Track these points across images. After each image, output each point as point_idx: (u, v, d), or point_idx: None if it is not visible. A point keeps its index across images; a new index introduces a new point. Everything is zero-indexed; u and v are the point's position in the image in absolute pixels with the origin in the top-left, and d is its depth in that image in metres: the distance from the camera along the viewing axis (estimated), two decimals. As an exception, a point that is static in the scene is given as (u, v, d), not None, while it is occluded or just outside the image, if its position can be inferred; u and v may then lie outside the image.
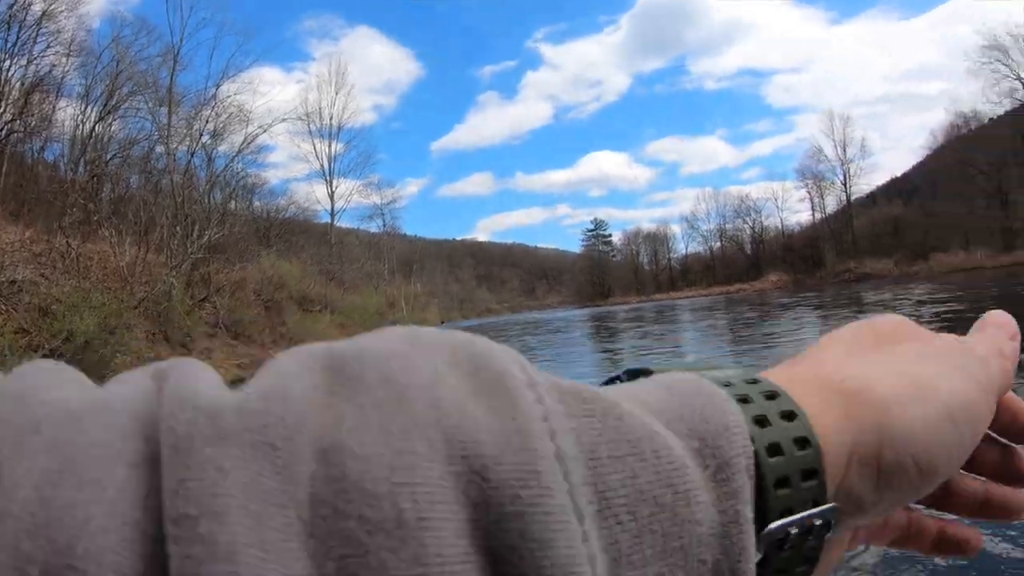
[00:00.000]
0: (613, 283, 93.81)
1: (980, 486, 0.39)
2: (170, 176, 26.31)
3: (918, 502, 0.38)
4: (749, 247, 79.42)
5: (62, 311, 14.21)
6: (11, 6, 23.01)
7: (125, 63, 26.25)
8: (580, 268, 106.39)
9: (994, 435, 0.38)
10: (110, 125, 27.11)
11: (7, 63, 23.39)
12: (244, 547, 0.17)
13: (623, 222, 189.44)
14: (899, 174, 73.47)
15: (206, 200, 30.26)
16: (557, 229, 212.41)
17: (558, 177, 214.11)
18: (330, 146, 52.26)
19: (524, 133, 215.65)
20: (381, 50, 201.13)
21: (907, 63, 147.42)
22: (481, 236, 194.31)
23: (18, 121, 23.66)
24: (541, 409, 0.25)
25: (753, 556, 0.28)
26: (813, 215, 72.16)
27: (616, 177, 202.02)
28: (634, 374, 0.37)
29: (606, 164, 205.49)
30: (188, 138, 28.87)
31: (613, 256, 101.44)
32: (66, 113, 26.44)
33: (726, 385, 0.33)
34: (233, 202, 35.99)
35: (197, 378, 0.23)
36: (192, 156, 29.48)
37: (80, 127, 26.11)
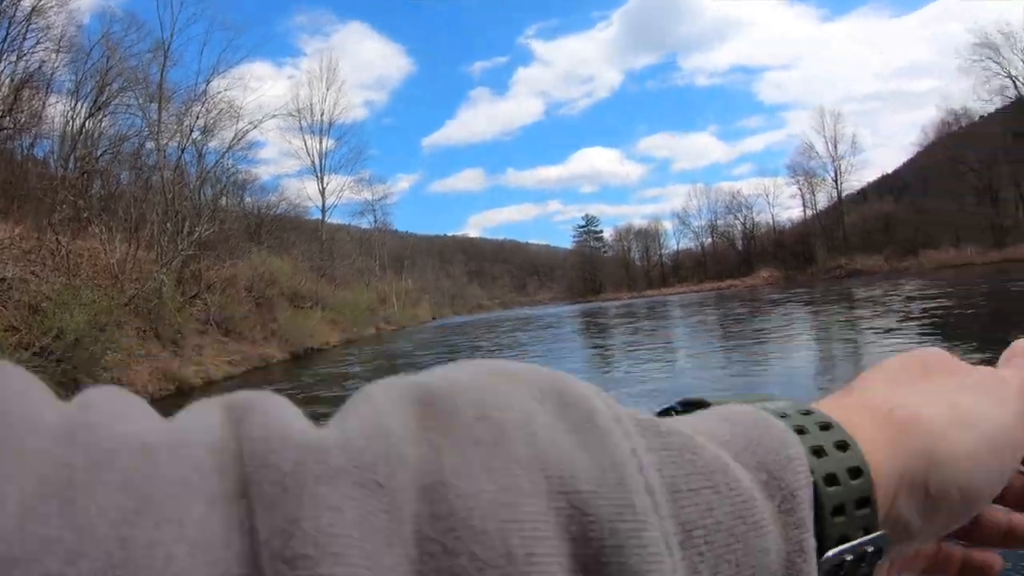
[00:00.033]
0: (604, 279, 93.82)
1: (1004, 516, 0.40)
2: (160, 172, 26.27)
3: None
4: (740, 243, 79.53)
5: (52, 309, 14.21)
6: (1, 1, 22.93)
7: (115, 59, 26.18)
8: (571, 264, 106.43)
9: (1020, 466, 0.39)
10: (100, 121, 27.06)
11: (-4, 59, 23.37)
12: None
13: (614, 218, 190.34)
14: (890, 171, 73.80)
15: (196, 196, 30.29)
16: (548, 225, 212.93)
17: (549, 173, 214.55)
18: (321, 142, 52.16)
19: (515, 129, 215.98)
20: (372, 46, 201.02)
21: (898, 60, 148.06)
22: (472, 232, 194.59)
23: (7, 118, 23.59)
24: (629, 443, 0.27)
25: None
26: (804, 211, 72.40)
27: (608, 173, 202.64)
28: (688, 405, 0.38)
29: (598, 160, 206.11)
30: (178, 134, 28.86)
31: (604, 252, 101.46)
32: (56, 109, 26.40)
33: (782, 416, 0.34)
34: (224, 198, 36.07)
35: (283, 412, 0.23)
36: (182, 152, 29.48)
37: (70, 123, 26.06)
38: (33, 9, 24.01)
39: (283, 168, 79.34)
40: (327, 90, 52.65)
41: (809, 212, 71.43)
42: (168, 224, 23.76)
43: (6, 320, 14.10)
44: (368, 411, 0.25)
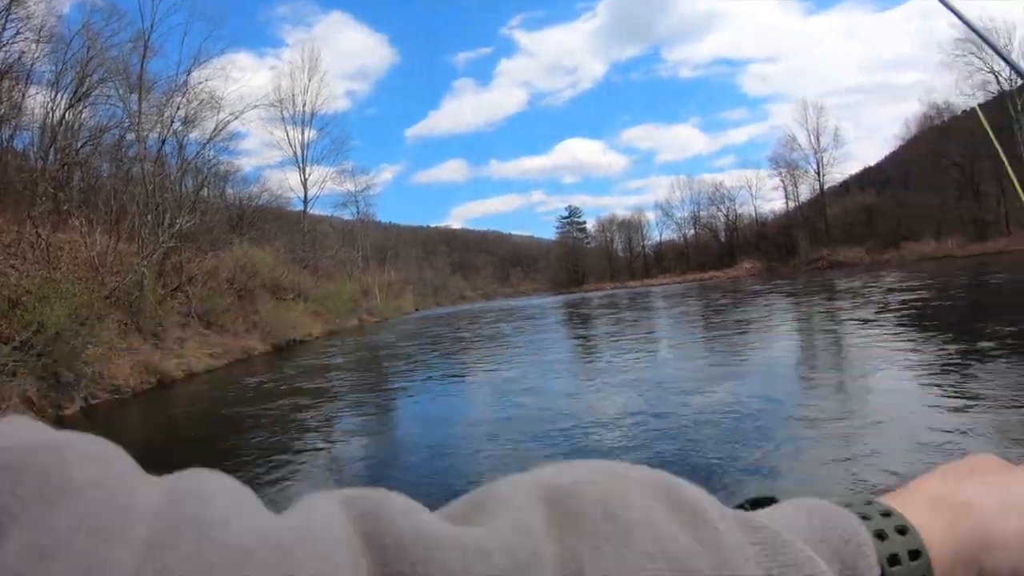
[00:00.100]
0: (587, 270, 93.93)
1: None
2: (141, 164, 26.08)
3: None
4: (723, 235, 79.83)
5: (32, 302, 14.12)
6: (-22, -8, 22.68)
7: (96, 49, 25.86)
8: (554, 255, 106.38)
9: None
10: (80, 113, 26.78)
11: (-25, 50, 23.11)
12: None
13: (597, 209, 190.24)
14: (872, 164, 74.06)
15: (177, 188, 30.11)
16: (531, 216, 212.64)
17: (533, 164, 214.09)
18: (303, 133, 51.90)
19: (499, 120, 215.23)
20: (355, 36, 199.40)
21: (882, 54, 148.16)
22: (456, 223, 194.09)
23: (-13, 109, 23.40)
24: (736, 538, 0.30)
25: None
26: (787, 203, 72.78)
27: (591, 164, 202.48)
28: (757, 503, 0.41)
29: (581, 151, 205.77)
30: (159, 125, 28.63)
31: (587, 243, 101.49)
32: (36, 101, 26.09)
33: (847, 506, 0.39)
34: (205, 190, 35.87)
35: (413, 510, 0.25)
36: (163, 143, 29.27)
37: (50, 115, 25.76)
38: (12, -1, 23.76)
39: (265, 159, 79.29)
40: (309, 80, 52.39)
41: (791, 204, 71.87)
42: (149, 216, 23.63)
43: (-15, 314, 14.01)
44: (508, 510, 0.26)
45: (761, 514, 0.37)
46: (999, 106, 45.41)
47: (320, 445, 8.84)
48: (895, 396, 7.46)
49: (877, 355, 10.36)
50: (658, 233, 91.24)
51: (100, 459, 0.23)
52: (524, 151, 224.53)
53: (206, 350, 21.81)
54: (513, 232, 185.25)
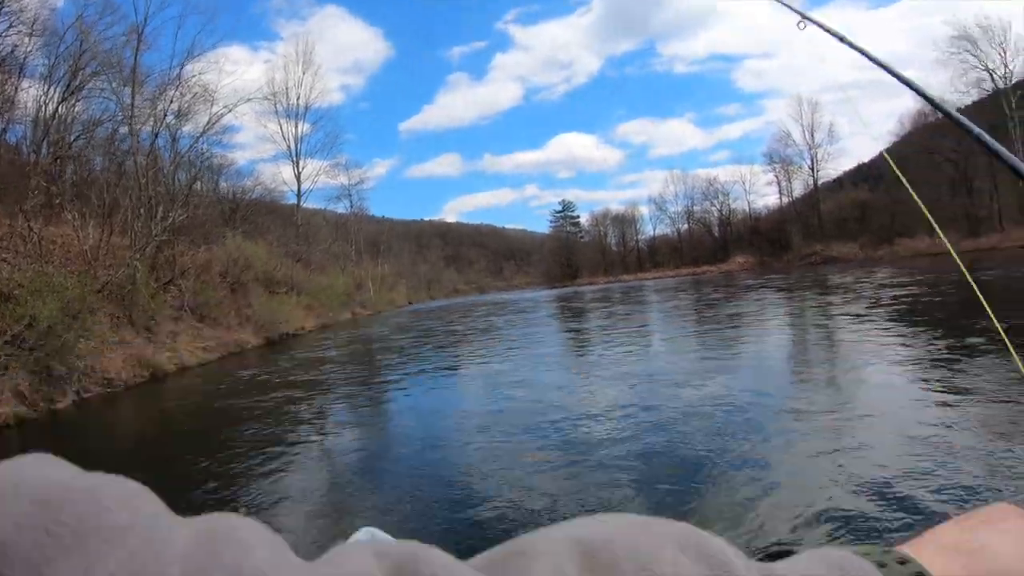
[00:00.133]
0: (581, 264, 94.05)
1: None
2: (134, 157, 26.00)
3: None
4: (716, 229, 79.99)
5: (24, 296, 14.09)
6: (-29, -15, 22.57)
7: (89, 42, 25.73)
8: (548, 249, 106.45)
9: None
10: (73, 106, 26.65)
11: (-33, 43, 23.00)
12: None
13: (591, 203, 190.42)
14: (866, 160, 74.17)
15: (171, 181, 30.01)
16: (525, 210, 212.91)
17: (527, 158, 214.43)
18: (297, 126, 51.73)
19: (493, 114, 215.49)
20: (349, 29, 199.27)
21: (878, 51, 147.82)
22: (449, 217, 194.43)
23: (-21, 103, 23.29)
24: None
25: None
26: (780, 199, 72.95)
27: (585, 159, 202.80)
28: (775, 555, 0.42)
29: (575, 146, 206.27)
30: (152, 118, 28.52)
31: (581, 237, 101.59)
32: (29, 94, 25.95)
33: (865, 555, 0.41)
34: (198, 183, 35.64)
35: (448, 563, 0.25)
36: (156, 137, 29.16)
37: (43, 108, 25.64)
38: (6, -8, 23.63)
39: (258, 153, 79.12)
40: (303, 74, 52.22)
41: (785, 199, 71.99)
42: (142, 209, 23.57)
43: (-23, 308, 13.98)
44: (543, 562, 0.27)
45: (781, 565, 0.38)
46: (993, 104, 45.56)
47: (313, 437, 8.87)
48: (884, 390, 7.52)
49: (867, 350, 10.42)
50: (652, 227, 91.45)
51: (133, 502, 0.24)
52: (518, 145, 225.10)
53: (199, 343, 21.80)
54: (507, 226, 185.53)
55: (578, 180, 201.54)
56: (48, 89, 25.97)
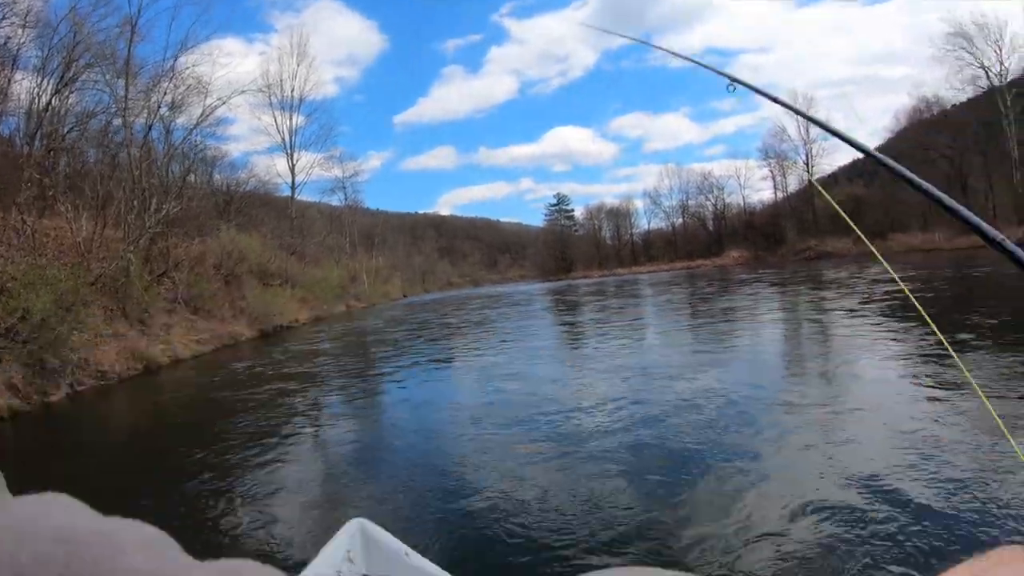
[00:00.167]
0: (575, 257, 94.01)
1: None
2: (127, 149, 25.94)
3: None
4: (711, 223, 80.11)
5: (17, 289, 14.07)
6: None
7: (82, 34, 25.58)
8: (543, 242, 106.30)
9: None
10: (67, 98, 26.50)
11: (-40, 35, 22.89)
12: None
13: (586, 197, 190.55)
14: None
15: (164, 173, 29.90)
16: (520, 203, 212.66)
17: (522, 152, 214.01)
18: (291, 118, 51.63)
19: (488, 107, 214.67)
20: (344, 22, 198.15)
21: (873, 47, 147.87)
22: (444, 210, 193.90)
23: (-28, 95, 23.19)
24: None
25: None
26: (775, 193, 73.06)
27: (580, 152, 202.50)
28: None
29: (570, 139, 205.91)
30: (146, 110, 28.42)
31: (576, 230, 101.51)
32: (22, 86, 25.78)
33: None
34: (192, 175, 35.59)
35: None
36: (150, 129, 29.04)
37: (36, 100, 25.49)
38: (-2, -17, 23.53)
39: (253, 145, 78.82)
40: (297, 66, 52.09)
41: (780, 194, 72.09)
42: (135, 202, 23.52)
43: (-30, 301, 13.96)
44: None
45: None
46: (988, 101, 45.68)
47: (307, 429, 8.90)
48: (875, 385, 7.58)
49: (859, 344, 10.49)
50: (646, 221, 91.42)
51: (150, 546, 0.24)
52: (514, 139, 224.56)
53: (192, 336, 21.80)
54: (502, 219, 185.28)
55: (573, 174, 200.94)
56: (41, 81, 25.87)
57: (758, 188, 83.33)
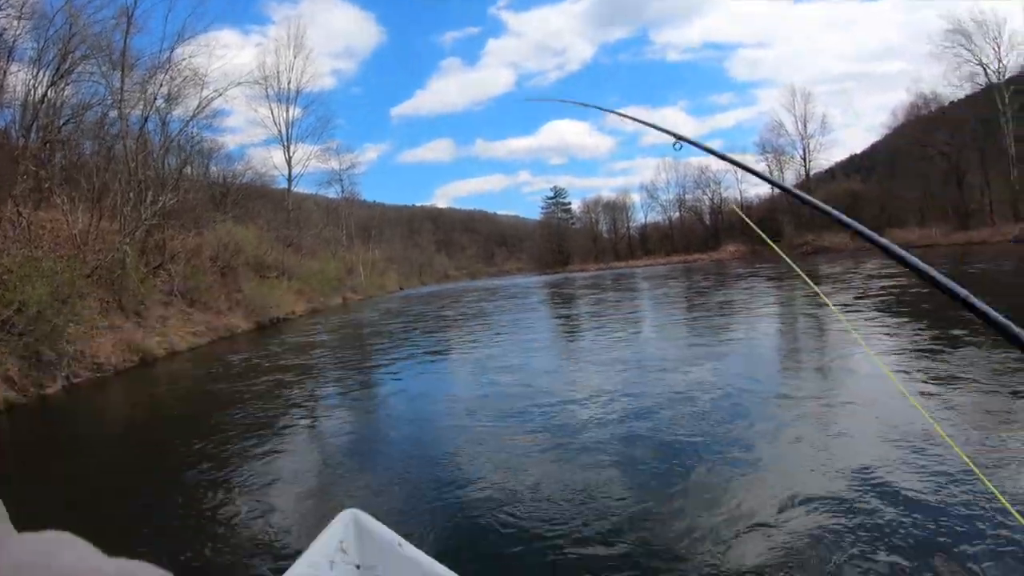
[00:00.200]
0: (572, 250, 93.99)
1: None
2: (123, 141, 25.89)
3: None
4: (708, 217, 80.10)
5: (13, 281, 14.06)
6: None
7: (78, 26, 25.45)
8: (539, 235, 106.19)
9: None
10: (63, 90, 26.35)
11: (-45, 27, 22.81)
12: None
13: (583, 190, 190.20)
14: (858, 151, 74.26)
15: (160, 165, 29.84)
16: (517, 196, 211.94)
17: (519, 144, 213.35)
18: (288, 111, 51.39)
19: (486, 100, 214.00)
20: (342, 14, 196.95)
21: (871, 43, 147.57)
22: (441, 202, 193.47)
23: (-32, 88, 23.12)
24: None
25: None
26: (772, 188, 72.97)
27: (577, 145, 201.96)
28: None
29: (567, 132, 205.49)
30: (142, 102, 28.33)
31: (572, 224, 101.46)
32: (17, 78, 25.63)
33: None
34: (188, 167, 35.46)
35: None
36: (146, 121, 28.94)
37: (32, 92, 25.33)
38: (-7, -24, 23.42)
39: (249, 137, 78.26)
40: (294, 58, 51.80)
41: (777, 189, 71.94)
42: (131, 194, 23.48)
43: (-33, 293, 13.95)
44: None
45: None
46: (986, 98, 45.67)
47: (304, 420, 8.94)
48: (869, 379, 7.62)
49: (853, 339, 10.53)
50: (643, 215, 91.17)
51: None
52: (511, 132, 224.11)
53: (189, 328, 21.81)
54: (499, 212, 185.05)
55: (570, 167, 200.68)
56: (37, 73, 25.74)
57: (755, 183, 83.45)
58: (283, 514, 5.11)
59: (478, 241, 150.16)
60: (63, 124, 26.32)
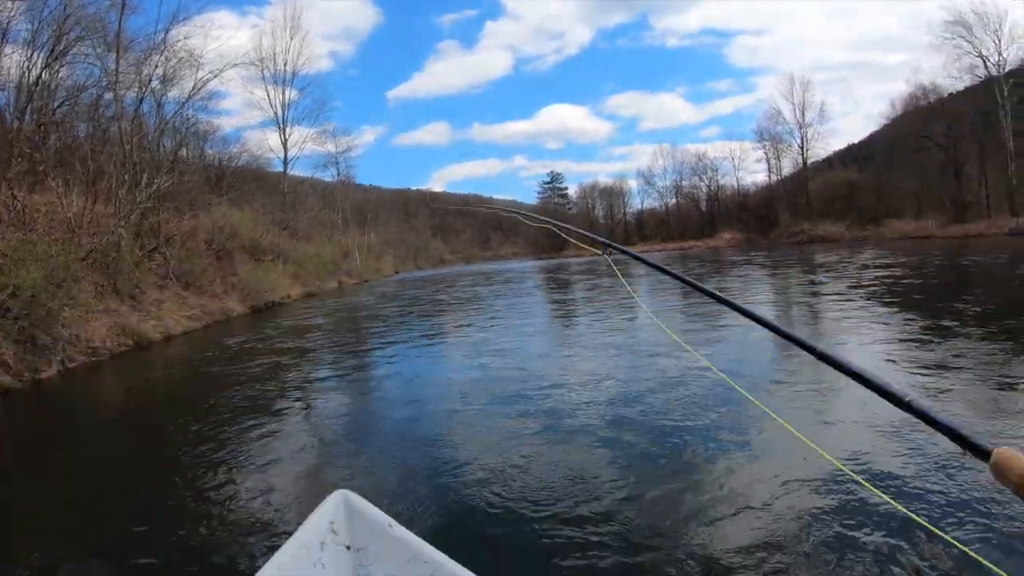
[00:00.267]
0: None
1: None
2: (118, 124, 25.78)
3: None
4: (704, 204, 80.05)
5: (8, 265, 14.03)
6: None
7: (73, 7, 25.19)
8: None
9: None
10: (57, 72, 26.15)
11: (-53, 8, 22.66)
12: None
13: (580, 175, 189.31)
14: (856, 140, 74.05)
15: (155, 148, 29.72)
16: (514, 180, 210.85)
17: (516, 128, 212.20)
18: (284, 93, 51.07)
19: (483, 83, 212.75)
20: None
21: (871, 32, 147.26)
22: (437, 186, 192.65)
23: (-39, 70, 23.00)
24: None
25: None
26: (769, 176, 72.77)
27: (574, 130, 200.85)
28: None
29: (565, 117, 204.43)
30: (137, 84, 28.16)
31: (569, 209, 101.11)
32: (11, 60, 25.43)
33: None
34: (184, 150, 35.29)
35: None
36: (141, 103, 28.78)
37: (26, 74, 25.14)
38: (-12, -44, 23.24)
39: (245, 119, 78.32)
40: (291, 40, 51.40)
41: (774, 177, 71.86)
42: (126, 176, 23.40)
43: (-39, 276, 13.93)
44: None
45: None
46: (985, 90, 45.59)
47: (299, 403, 8.99)
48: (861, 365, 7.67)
49: (845, 328, 10.63)
50: (639, 201, 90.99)
51: None
52: (508, 115, 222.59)
53: (184, 312, 21.80)
54: (495, 196, 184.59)
55: (567, 151, 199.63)
56: (31, 54, 25.54)
57: (752, 170, 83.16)
58: (278, 494, 5.16)
59: (473, 225, 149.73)
60: (58, 106, 26.17)
